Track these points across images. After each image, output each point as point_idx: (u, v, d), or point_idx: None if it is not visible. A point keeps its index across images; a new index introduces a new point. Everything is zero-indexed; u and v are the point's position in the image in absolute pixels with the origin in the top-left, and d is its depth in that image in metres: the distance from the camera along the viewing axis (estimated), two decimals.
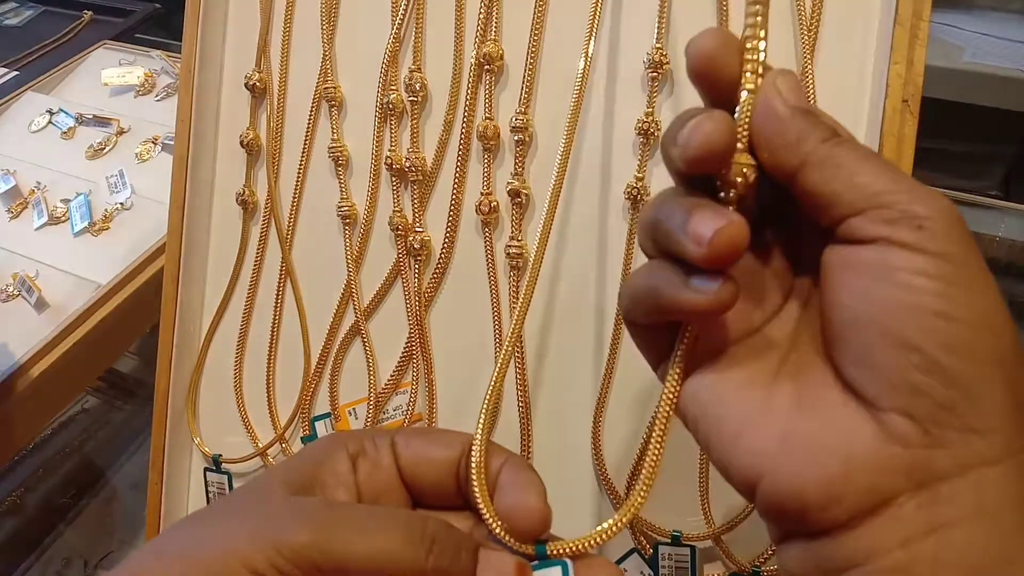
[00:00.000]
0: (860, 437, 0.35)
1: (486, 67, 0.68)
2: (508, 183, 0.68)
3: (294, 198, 0.77)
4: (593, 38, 0.61)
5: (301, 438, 0.79)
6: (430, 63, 0.71)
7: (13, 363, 0.94)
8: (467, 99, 0.69)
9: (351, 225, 0.75)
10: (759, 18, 0.38)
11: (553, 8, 0.67)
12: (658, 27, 0.64)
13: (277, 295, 0.79)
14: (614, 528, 0.41)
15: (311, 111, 0.76)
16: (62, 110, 1.32)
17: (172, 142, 1.13)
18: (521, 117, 0.67)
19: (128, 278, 1.03)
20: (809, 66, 0.60)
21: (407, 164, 0.71)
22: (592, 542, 0.41)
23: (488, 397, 0.45)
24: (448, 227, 0.71)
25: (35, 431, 1.11)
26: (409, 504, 0.45)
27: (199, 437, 0.82)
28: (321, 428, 0.78)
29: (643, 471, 0.41)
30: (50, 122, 1.31)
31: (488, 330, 0.71)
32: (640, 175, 0.65)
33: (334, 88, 0.74)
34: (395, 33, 0.71)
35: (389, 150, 0.72)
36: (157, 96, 1.34)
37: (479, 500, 0.41)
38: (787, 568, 0.38)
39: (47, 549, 1.08)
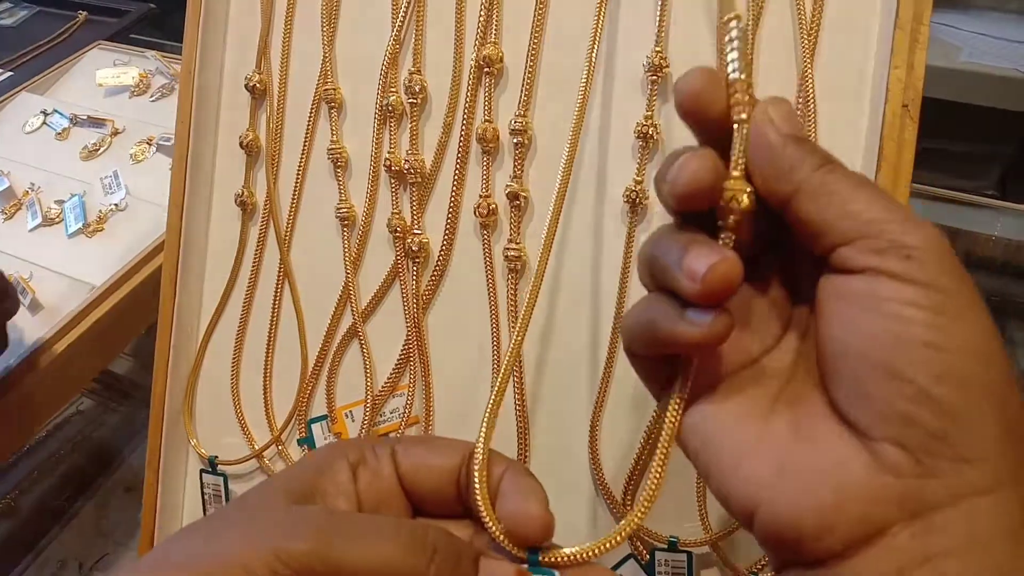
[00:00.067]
0: (853, 467, 0.35)
1: (486, 69, 0.68)
2: (507, 186, 0.68)
3: (293, 199, 0.77)
4: (596, 44, 0.62)
5: (297, 440, 0.79)
6: (430, 65, 0.71)
7: (7, 365, 0.93)
8: (466, 101, 0.69)
9: (350, 227, 0.75)
10: (738, 42, 0.39)
11: (553, 11, 0.67)
12: (657, 30, 0.64)
13: (275, 296, 0.79)
14: (611, 542, 0.41)
15: (311, 112, 0.76)
16: (56, 111, 1.32)
17: (167, 143, 1.14)
18: (520, 120, 0.67)
19: (123, 279, 1.03)
20: (809, 70, 0.61)
21: (406, 166, 0.71)
22: (588, 554, 0.41)
23: (489, 408, 0.45)
24: (447, 229, 0.71)
25: (30, 433, 1.10)
26: (409, 512, 0.45)
27: (195, 438, 0.82)
28: (317, 430, 0.78)
29: (644, 492, 0.41)
30: (44, 123, 1.31)
31: (486, 333, 0.71)
32: (639, 178, 0.65)
33: (334, 90, 0.74)
34: (395, 35, 0.71)
35: (388, 152, 0.72)
36: (152, 97, 1.34)
37: (480, 506, 0.41)
38: None
39: (42, 551, 1.07)
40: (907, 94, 0.57)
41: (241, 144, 0.78)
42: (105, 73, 1.37)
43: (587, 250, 0.68)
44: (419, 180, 0.71)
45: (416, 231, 0.72)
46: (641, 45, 0.64)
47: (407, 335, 0.73)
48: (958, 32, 1.57)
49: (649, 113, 0.64)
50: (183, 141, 0.78)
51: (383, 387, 0.75)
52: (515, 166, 0.68)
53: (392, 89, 0.72)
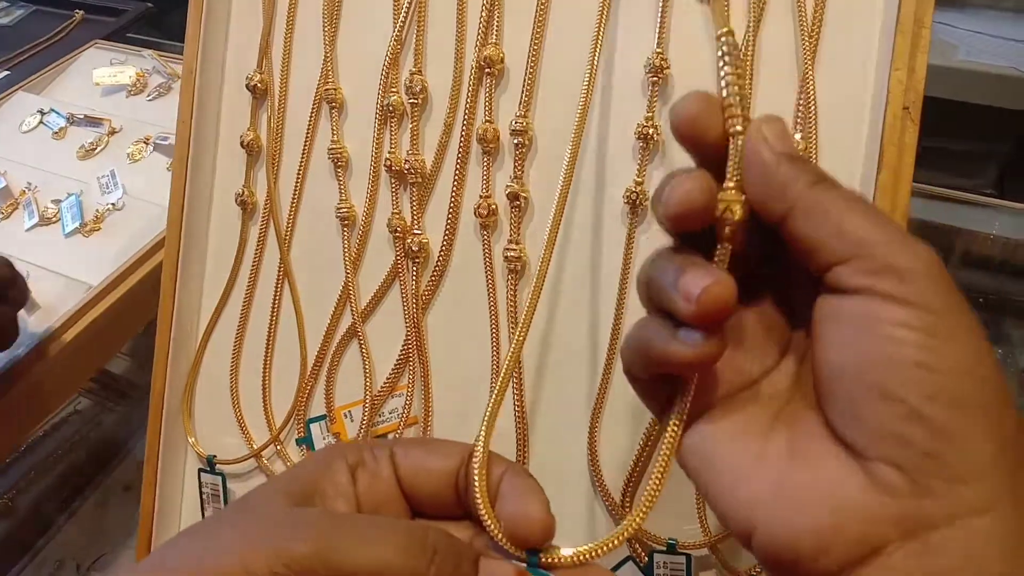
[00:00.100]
0: (849, 487, 0.35)
1: (486, 70, 0.68)
2: (507, 186, 0.68)
3: (293, 199, 0.77)
4: (598, 48, 0.62)
5: (296, 440, 0.79)
6: (431, 66, 0.71)
7: (4, 364, 0.93)
8: (467, 102, 0.70)
9: (350, 227, 0.75)
10: (730, 57, 0.39)
11: (554, 12, 0.68)
12: (659, 32, 0.64)
13: (275, 296, 0.79)
14: (611, 544, 0.42)
15: (312, 112, 0.76)
16: (53, 110, 1.31)
17: (164, 142, 1.14)
18: (521, 120, 0.67)
19: (120, 279, 1.02)
20: (810, 72, 0.61)
21: (406, 166, 0.71)
22: (587, 555, 0.41)
23: (489, 409, 0.45)
24: (447, 230, 0.71)
25: (27, 433, 1.10)
26: (408, 514, 0.45)
27: (194, 437, 0.82)
28: (316, 430, 0.78)
29: (644, 495, 0.42)
30: (41, 122, 1.30)
31: (485, 333, 0.71)
32: (640, 179, 0.65)
33: (335, 90, 0.74)
34: (396, 35, 0.71)
35: (389, 152, 0.72)
36: (149, 96, 1.34)
37: (480, 507, 0.41)
38: None
39: (40, 552, 1.07)
40: (908, 96, 0.57)
41: (242, 143, 0.78)
42: (102, 72, 1.36)
43: (587, 251, 0.68)
44: (419, 180, 0.71)
45: (416, 231, 0.72)
46: (642, 46, 0.65)
47: (406, 335, 0.73)
48: (955, 30, 1.57)
49: (650, 114, 0.64)
50: (184, 140, 0.79)
51: (382, 387, 0.75)
52: (515, 166, 0.68)
53: (393, 89, 0.72)
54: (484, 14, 0.68)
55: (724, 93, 0.39)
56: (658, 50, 0.63)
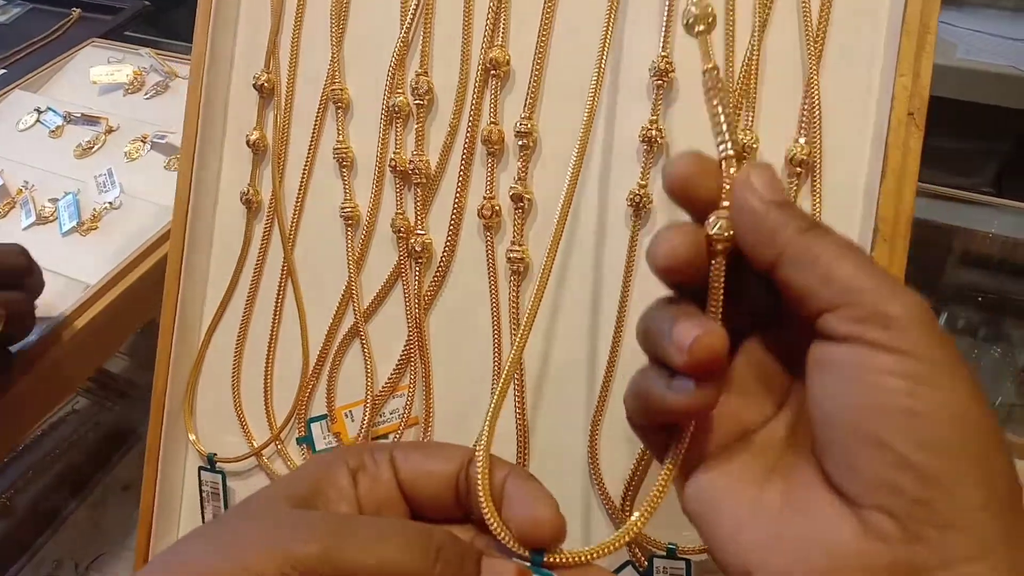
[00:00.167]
0: (843, 534, 0.35)
1: (492, 72, 0.69)
2: (511, 188, 0.68)
3: (298, 198, 0.77)
4: (606, 50, 0.63)
5: (296, 439, 0.79)
6: (437, 67, 0.72)
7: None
8: (472, 103, 0.70)
9: (353, 226, 0.75)
10: (714, 91, 0.41)
11: (559, 15, 0.68)
12: (664, 35, 0.64)
13: (278, 295, 0.79)
14: (614, 545, 0.42)
15: (318, 112, 0.76)
16: (50, 108, 1.31)
17: (162, 141, 1.14)
18: (526, 122, 0.68)
19: (118, 278, 1.02)
20: (815, 77, 0.61)
21: (411, 167, 0.71)
22: (590, 555, 0.42)
23: (491, 412, 0.45)
24: (450, 230, 0.71)
25: (25, 432, 1.10)
26: (409, 517, 0.45)
27: (195, 435, 0.82)
28: (317, 430, 0.78)
29: (646, 500, 0.43)
30: (38, 120, 1.30)
31: (487, 334, 0.71)
32: (643, 182, 0.65)
33: (341, 90, 0.75)
34: (403, 37, 0.71)
35: (394, 152, 0.73)
36: (146, 94, 1.33)
37: (484, 508, 0.42)
38: None
39: (38, 551, 1.07)
40: (913, 102, 0.58)
41: (248, 142, 0.78)
42: (99, 70, 1.36)
43: (590, 254, 0.68)
44: (424, 181, 0.72)
45: (419, 231, 0.72)
46: (647, 50, 0.65)
47: (408, 335, 0.73)
48: (953, 29, 1.57)
49: (654, 117, 0.64)
50: (190, 138, 0.79)
51: (383, 387, 0.75)
52: (519, 168, 0.68)
53: (399, 90, 0.72)
54: (490, 17, 0.69)
55: (712, 123, 0.40)
56: (663, 54, 0.64)
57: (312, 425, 0.78)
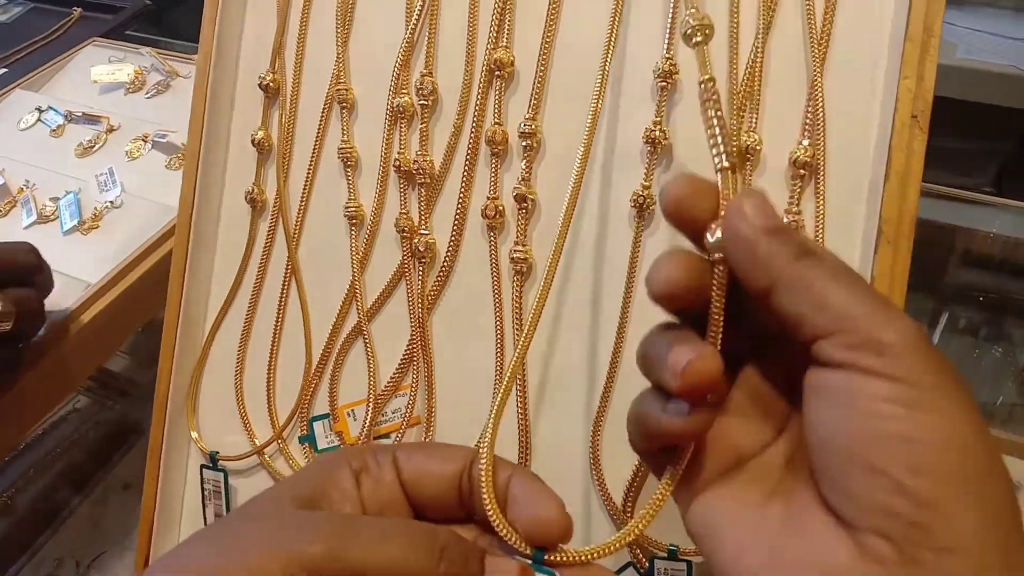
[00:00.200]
0: (839, 557, 0.36)
1: (496, 72, 0.69)
2: (515, 188, 0.69)
3: (302, 197, 0.78)
4: (611, 52, 0.63)
5: (299, 438, 0.79)
6: (441, 68, 0.72)
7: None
8: (477, 104, 0.70)
9: (357, 226, 0.75)
10: (711, 102, 0.42)
11: (564, 16, 0.68)
12: (668, 37, 0.64)
13: (282, 294, 0.79)
14: (616, 545, 0.43)
15: (323, 112, 0.76)
16: (51, 108, 1.30)
17: (163, 140, 1.13)
18: (530, 123, 0.68)
19: (119, 276, 1.02)
20: (819, 79, 0.61)
21: (415, 167, 0.72)
22: (592, 554, 0.42)
23: (493, 413, 0.45)
24: (453, 230, 0.72)
25: (26, 431, 1.10)
26: (412, 518, 0.45)
27: (197, 432, 0.82)
28: (319, 428, 0.78)
29: (648, 505, 0.43)
30: (39, 120, 1.30)
31: (490, 334, 0.71)
32: (647, 183, 0.65)
33: (346, 90, 0.75)
34: (408, 37, 0.72)
35: (398, 152, 0.73)
36: (147, 93, 1.33)
37: (488, 506, 0.42)
38: None
39: (39, 550, 1.07)
40: (916, 104, 0.58)
41: (253, 142, 0.79)
42: (100, 70, 1.35)
43: (594, 255, 0.68)
44: (428, 181, 0.72)
45: (423, 231, 0.72)
46: (652, 51, 0.65)
47: (411, 335, 0.74)
48: (954, 28, 1.57)
49: (658, 119, 0.64)
50: (195, 138, 0.79)
51: (386, 387, 0.75)
52: (523, 169, 0.68)
53: (404, 90, 0.72)
54: (495, 18, 0.69)
55: (708, 134, 0.41)
56: (667, 55, 0.64)
57: (314, 424, 0.78)
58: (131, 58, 1.40)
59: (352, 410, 0.77)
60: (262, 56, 0.78)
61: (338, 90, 0.75)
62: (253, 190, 0.79)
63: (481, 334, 0.71)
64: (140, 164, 1.19)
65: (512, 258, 0.69)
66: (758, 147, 0.62)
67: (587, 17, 0.67)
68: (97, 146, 1.23)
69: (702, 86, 0.42)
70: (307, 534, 0.38)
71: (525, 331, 0.48)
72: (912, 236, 0.58)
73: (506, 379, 0.46)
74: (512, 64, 0.69)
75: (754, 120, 0.63)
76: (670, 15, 0.64)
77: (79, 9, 1.62)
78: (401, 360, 0.74)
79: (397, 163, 0.73)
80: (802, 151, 0.61)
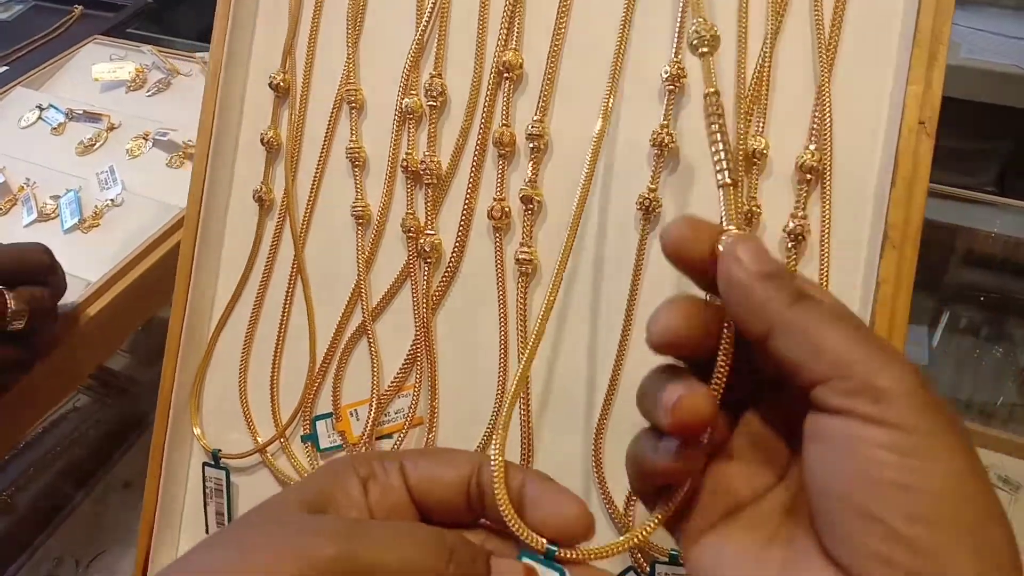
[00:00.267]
0: None
1: (505, 75, 0.69)
2: (521, 189, 0.69)
3: (310, 197, 0.78)
4: (621, 55, 0.64)
5: (301, 437, 0.79)
6: (451, 69, 0.72)
7: None
8: (485, 105, 0.70)
9: (364, 225, 0.75)
10: (714, 116, 0.43)
11: (574, 19, 0.68)
12: (676, 41, 0.64)
13: (287, 292, 0.79)
14: (623, 545, 0.43)
15: (332, 112, 0.77)
16: (52, 105, 1.31)
17: (164, 138, 1.13)
18: (538, 125, 0.68)
19: (119, 275, 1.02)
20: (826, 85, 0.61)
21: (422, 167, 0.72)
22: (599, 554, 0.42)
23: (504, 417, 0.46)
24: (459, 231, 0.72)
25: (26, 429, 1.10)
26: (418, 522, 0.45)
27: (200, 429, 0.82)
28: (322, 428, 0.78)
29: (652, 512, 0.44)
30: (40, 118, 1.30)
31: (494, 335, 0.71)
32: (653, 186, 0.65)
33: (355, 90, 0.75)
34: (418, 39, 0.72)
35: (406, 153, 0.73)
36: (148, 92, 1.33)
37: (501, 504, 0.42)
38: None
39: (38, 549, 1.07)
40: (923, 110, 0.58)
41: (262, 141, 0.79)
42: (101, 68, 1.35)
43: (599, 257, 0.68)
44: (435, 181, 0.72)
45: (429, 232, 0.73)
46: (660, 54, 0.65)
47: (416, 335, 0.74)
48: (956, 28, 1.57)
49: (665, 122, 0.65)
50: (205, 136, 0.79)
51: (389, 387, 0.75)
52: (530, 170, 0.69)
53: (412, 91, 0.73)
54: (505, 20, 0.69)
55: (711, 149, 0.42)
56: (676, 59, 0.64)
57: (317, 423, 0.78)
58: (132, 56, 1.41)
59: (355, 410, 0.77)
60: (273, 56, 0.79)
61: (347, 90, 0.75)
62: (261, 189, 0.80)
63: (485, 335, 0.71)
64: (141, 162, 1.20)
65: (517, 259, 0.69)
66: (765, 151, 0.62)
67: (596, 20, 0.67)
68: (98, 144, 1.23)
69: (707, 99, 0.43)
70: (319, 537, 0.38)
71: (530, 343, 0.47)
72: (918, 242, 0.58)
73: (513, 385, 0.46)
74: (521, 66, 0.69)
75: (761, 124, 0.63)
76: (678, 19, 0.64)
77: (80, 7, 1.62)
78: (405, 360, 0.75)
79: (405, 163, 0.73)
80: (809, 156, 0.61)
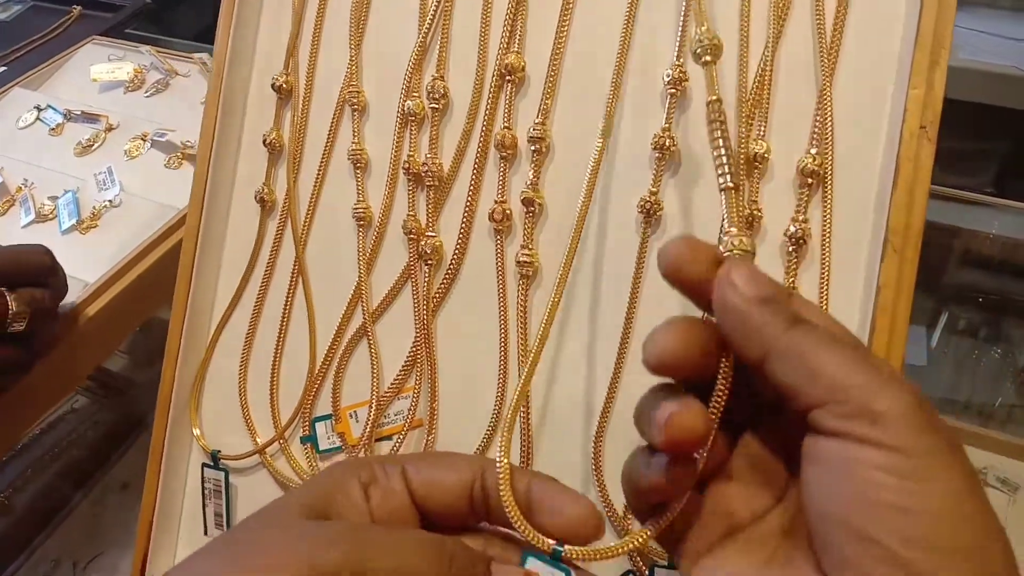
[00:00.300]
0: None
1: (508, 77, 0.70)
2: (522, 192, 0.69)
3: (312, 198, 0.78)
4: (624, 58, 0.65)
5: (301, 438, 0.79)
6: (453, 71, 0.73)
7: None
8: (487, 108, 0.71)
9: (365, 227, 0.76)
10: (716, 123, 0.44)
11: (576, 22, 0.69)
12: (679, 44, 0.65)
13: (288, 293, 0.80)
14: (629, 545, 0.43)
15: (334, 114, 0.77)
16: (50, 106, 1.30)
17: (162, 139, 1.13)
18: (539, 128, 0.68)
19: (117, 276, 1.02)
20: (827, 89, 0.62)
21: (424, 169, 0.72)
22: (603, 554, 0.42)
23: (506, 421, 0.46)
24: (460, 233, 0.72)
25: (24, 431, 1.10)
26: (420, 527, 0.46)
27: (199, 430, 0.82)
28: (321, 429, 0.78)
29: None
30: (38, 118, 1.30)
31: (494, 338, 0.71)
32: (654, 189, 0.65)
33: (358, 92, 0.76)
34: (420, 41, 0.72)
35: (408, 155, 0.73)
36: (147, 92, 1.33)
37: (507, 506, 0.42)
38: None
39: (36, 550, 1.07)
40: (925, 115, 0.58)
41: (264, 142, 0.79)
42: (99, 68, 1.35)
43: (600, 259, 0.68)
44: (436, 183, 0.72)
45: (430, 234, 0.73)
46: (662, 58, 0.65)
47: (416, 337, 0.74)
48: (955, 29, 1.57)
49: (667, 125, 0.65)
50: (208, 137, 0.79)
51: (389, 388, 0.75)
52: (531, 173, 0.69)
53: (415, 93, 0.73)
54: (507, 23, 0.70)
55: (714, 155, 0.43)
56: (678, 63, 0.64)
57: (316, 424, 0.78)
58: (130, 56, 1.41)
59: (355, 411, 0.77)
60: (276, 57, 0.79)
61: (350, 92, 0.75)
62: (263, 190, 0.80)
63: (485, 337, 0.71)
64: (139, 163, 1.19)
65: (518, 261, 0.69)
66: (766, 155, 0.63)
67: (599, 23, 0.68)
68: (96, 145, 1.23)
69: (709, 106, 0.43)
70: (324, 544, 0.38)
71: (531, 353, 0.47)
72: (919, 246, 0.58)
73: (516, 393, 0.46)
74: (523, 69, 0.69)
75: (763, 128, 0.63)
76: (681, 22, 0.64)
77: (78, 7, 1.62)
78: (405, 362, 0.75)
79: (406, 165, 0.73)
80: (810, 159, 0.61)
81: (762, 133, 0.63)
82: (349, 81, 0.76)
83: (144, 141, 1.21)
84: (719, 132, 0.43)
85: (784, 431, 0.42)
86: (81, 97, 1.34)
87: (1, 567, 1.05)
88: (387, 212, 0.75)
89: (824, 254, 0.61)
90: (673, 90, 0.64)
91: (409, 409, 0.74)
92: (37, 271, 0.85)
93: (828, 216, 0.61)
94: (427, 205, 0.73)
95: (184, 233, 0.81)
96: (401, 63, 0.73)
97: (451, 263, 0.72)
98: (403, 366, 0.75)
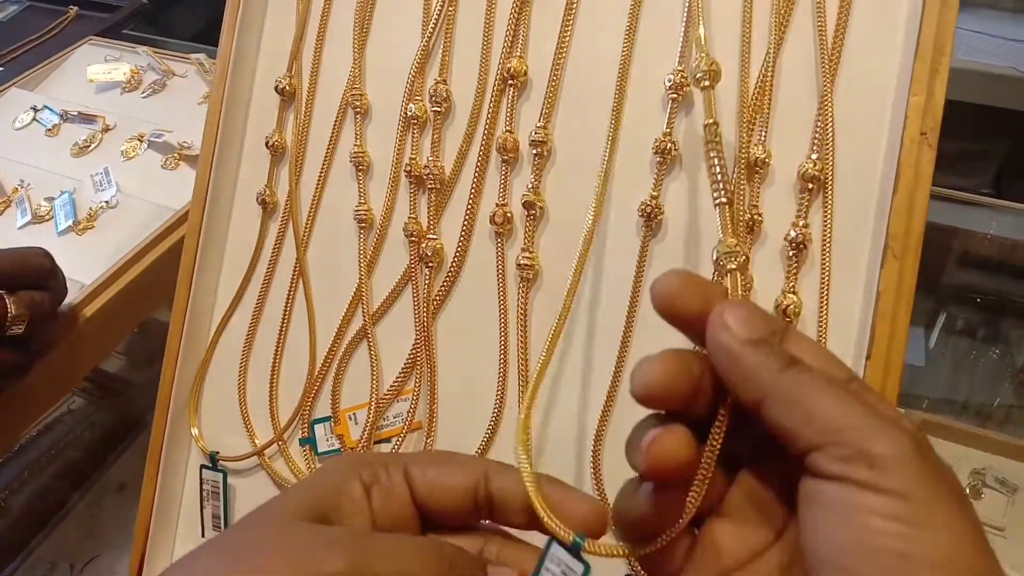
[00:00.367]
0: None
1: (510, 81, 0.70)
2: (524, 195, 0.69)
3: (313, 200, 0.78)
4: (628, 63, 0.65)
5: (299, 440, 0.79)
6: (456, 75, 0.73)
7: None
8: (489, 112, 0.71)
9: (367, 229, 0.76)
10: (712, 144, 0.45)
11: (579, 27, 0.69)
12: (681, 49, 0.65)
13: (288, 295, 0.80)
14: (624, 549, 0.43)
15: (337, 116, 0.77)
16: (47, 107, 1.30)
17: (159, 140, 1.13)
18: (541, 131, 0.69)
19: (113, 277, 1.01)
20: (829, 95, 0.62)
21: (426, 172, 0.73)
22: (618, 551, 0.43)
23: (520, 422, 0.45)
24: (461, 236, 0.72)
25: (21, 432, 1.10)
26: (421, 528, 0.46)
27: (198, 430, 0.82)
28: (320, 431, 0.79)
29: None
30: (34, 119, 1.29)
31: (494, 341, 0.71)
32: (655, 193, 0.66)
33: (360, 95, 0.76)
34: (424, 45, 0.73)
35: (410, 158, 0.74)
36: (143, 93, 1.32)
37: (536, 502, 0.42)
38: None
39: (32, 552, 1.06)
40: (926, 122, 0.59)
41: (267, 144, 0.80)
42: (96, 69, 1.35)
43: (600, 262, 0.68)
44: (438, 186, 0.73)
45: (431, 236, 0.73)
46: (663, 63, 0.66)
47: (416, 339, 0.74)
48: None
49: (668, 130, 0.65)
50: (210, 138, 0.80)
51: (388, 391, 0.76)
52: (533, 176, 0.69)
53: (417, 97, 0.74)
54: (510, 27, 0.70)
55: (709, 173, 0.44)
56: (679, 67, 0.65)
57: (315, 426, 0.79)
58: (127, 57, 1.40)
59: (354, 413, 0.77)
60: (279, 60, 0.79)
61: (353, 95, 0.76)
62: (265, 191, 0.80)
63: (485, 340, 0.72)
64: (136, 164, 1.19)
65: (519, 264, 0.70)
66: (767, 160, 0.63)
67: (601, 29, 0.68)
68: (92, 146, 1.23)
69: (706, 129, 0.44)
70: (325, 551, 0.38)
71: (545, 355, 0.47)
72: (919, 252, 0.58)
73: (527, 398, 0.46)
74: (526, 73, 0.70)
75: (764, 133, 0.63)
76: (683, 27, 0.65)
77: (75, 8, 1.62)
78: (404, 364, 0.75)
79: (408, 168, 0.73)
80: (811, 165, 0.61)
81: (763, 138, 0.63)
82: (352, 84, 0.76)
83: (141, 142, 1.21)
84: (715, 153, 0.44)
85: (783, 469, 0.41)
86: (78, 98, 1.34)
87: None
88: (388, 214, 0.75)
89: (824, 259, 0.61)
90: (674, 95, 0.64)
91: (408, 411, 0.74)
92: (36, 274, 0.85)
93: (828, 221, 0.61)
94: (428, 208, 0.73)
95: (186, 234, 0.81)
96: (404, 66, 0.73)
97: (452, 266, 0.73)
98: (403, 368, 0.75)
